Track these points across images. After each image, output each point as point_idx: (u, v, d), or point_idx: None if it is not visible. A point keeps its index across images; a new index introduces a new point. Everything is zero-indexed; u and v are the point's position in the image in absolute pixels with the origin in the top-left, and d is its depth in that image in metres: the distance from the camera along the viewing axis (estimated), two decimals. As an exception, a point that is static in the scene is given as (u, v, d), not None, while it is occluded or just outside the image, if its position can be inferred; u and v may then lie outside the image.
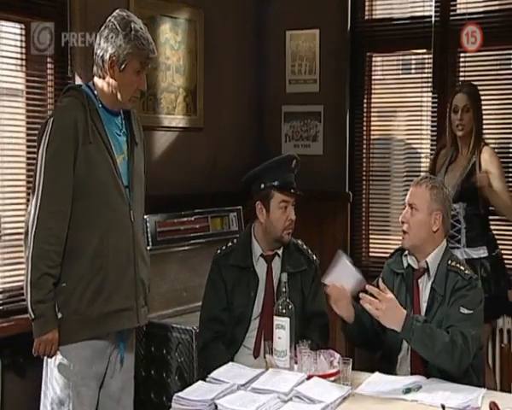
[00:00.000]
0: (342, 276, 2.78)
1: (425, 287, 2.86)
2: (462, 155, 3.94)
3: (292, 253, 3.19)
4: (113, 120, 2.72)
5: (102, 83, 2.68)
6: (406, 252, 2.92)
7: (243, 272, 3.13)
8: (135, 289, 2.73)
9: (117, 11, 2.71)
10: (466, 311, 2.72)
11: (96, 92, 2.69)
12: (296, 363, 2.72)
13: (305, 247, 3.27)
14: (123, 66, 2.64)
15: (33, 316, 2.57)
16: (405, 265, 2.92)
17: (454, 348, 2.63)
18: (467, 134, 3.90)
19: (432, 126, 4.55)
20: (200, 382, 2.61)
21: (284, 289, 2.74)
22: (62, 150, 2.57)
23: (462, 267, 2.84)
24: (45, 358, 2.69)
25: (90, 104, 2.65)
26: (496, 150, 4.10)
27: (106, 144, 2.65)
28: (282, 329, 2.69)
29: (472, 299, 2.77)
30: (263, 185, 3.12)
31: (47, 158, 2.56)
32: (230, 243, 3.22)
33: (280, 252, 3.17)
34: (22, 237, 2.66)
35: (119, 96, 2.67)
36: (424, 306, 2.84)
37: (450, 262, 2.84)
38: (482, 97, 4.22)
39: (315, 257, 3.26)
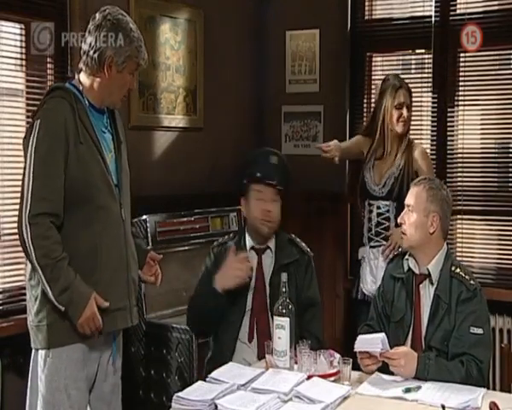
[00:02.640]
0: (371, 344, 2.70)
1: (427, 293, 2.85)
2: (390, 153, 3.91)
3: (285, 245, 3.24)
4: (99, 117, 2.71)
5: (92, 81, 2.65)
6: (407, 256, 2.92)
7: None
8: (128, 289, 2.72)
9: (109, 8, 2.67)
10: (476, 330, 2.71)
11: (81, 89, 2.66)
12: (296, 363, 2.72)
13: (298, 239, 3.32)
14: (122, 67, 2.62)
15: (63, 308, 2.53)
16: (406, 268, 2.90)
17: (469, 379, 2.63)
18: (406, 132, 3.89)
19: (432, 126, 4.54)
20: (200, 382, 2.61)
21: (284, 290, 2.74)
22: (53, 152, 2.53)
23: (466, 276, 2.81)
24: (32, 359, 2.66)
25: (78, 103, 2.62)
26: (496, 150, 4.10)
27: (95, 143, 2.63)
28: (282, 329, 2.69)
29: (480, 315, 2.76)
30: (244, 181, 3.20)
31: (36, 160, 2.51)
32: (227, 236, 3.32)
33: (272, 245, 3.22)
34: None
35: (111, 95, 2.66)
36: (427, 311, 2.82)
37: (453, 269, 2.82)
38: (482, 97, 4.22)
39: (309, 249, 3.31)
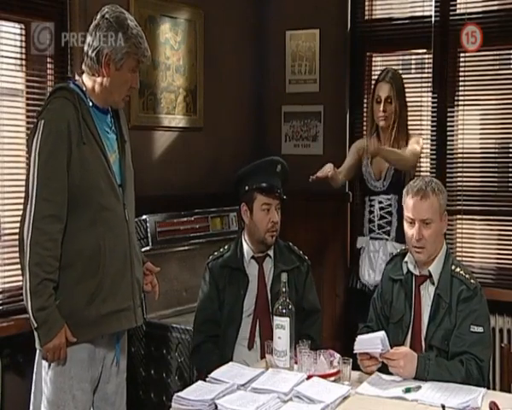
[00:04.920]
0: (371, 344, 2.70)
1: (428, 293, 2.84)
2: (386, 145, 3.90)
3: (283, 252, 3.26)
4: (103, 118, 2.70)
5: (94, 81, 2.65)
6: (406, 258, 2.91)
7: (234, 272, 3.21)
8: (132, 290, 2.72)
9: (108, 7, 2.67)
10: (477, 329, 2.71)
11: (84, 89, 2.66)
12: (296, 363, 2.72)
13: (296, 248, 3.34)
14: (119, 64, 2.62)
15: (36, 324, 2.52)
16: (405, 271, 2.90)
17: (469, 379, 2.63)
18: (389, 126, 3.90)
19: (432, 126, 4.54)
20: (200, 382, 2.61)
21: (284, 289, 2.74)
22: (56, 153, 2.52)
23: (466, 275, 2.81)
24: (36, 359, 2.67)
25: (81, 104, 2.62)
26: (496, 150, 4.09)
27: (99, 144, 2.63)
28: (282, 329, 2.69)
29: (481, 313, 2.76)
30: (247, 187, 3.20)
31: (40, 162, 2.52)
32: (222, 249, 3.30)
33: (271, 253, 3.24)
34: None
35: (112, 94, 2.65)
36: (427, 310, 2.82)
37: (453, 268, 2.82)
38: (482, 97, 4.19)
39: (306, 257, 3.33)
